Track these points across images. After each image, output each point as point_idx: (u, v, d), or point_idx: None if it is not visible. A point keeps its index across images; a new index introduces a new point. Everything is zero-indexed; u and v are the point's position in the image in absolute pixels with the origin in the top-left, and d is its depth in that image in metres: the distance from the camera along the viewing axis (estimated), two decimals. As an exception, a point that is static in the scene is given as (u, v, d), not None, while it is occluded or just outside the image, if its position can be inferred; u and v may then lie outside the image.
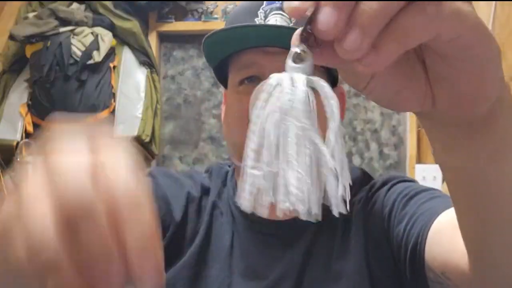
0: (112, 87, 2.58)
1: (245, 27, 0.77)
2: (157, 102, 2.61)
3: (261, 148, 0.29)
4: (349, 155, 2.62)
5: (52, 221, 0.26)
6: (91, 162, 0.28)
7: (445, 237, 0.61)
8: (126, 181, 0.28)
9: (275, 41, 0.76)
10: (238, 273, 0.81)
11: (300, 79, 0.30)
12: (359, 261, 0.78)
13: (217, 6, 2.67)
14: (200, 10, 2.66)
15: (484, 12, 2.50)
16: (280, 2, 0.81)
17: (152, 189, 0.84)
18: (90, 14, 2.65)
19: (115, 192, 0.27)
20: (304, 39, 0.31)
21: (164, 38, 2.76)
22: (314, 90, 0.31)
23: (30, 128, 2.61)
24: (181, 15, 2.70)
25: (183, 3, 2.68)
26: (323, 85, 0.32)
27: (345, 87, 2.98)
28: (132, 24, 2.62)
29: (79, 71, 2.53)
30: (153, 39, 2.72)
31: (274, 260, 0.81)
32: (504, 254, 0.48)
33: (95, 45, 2.56)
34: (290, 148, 0.28)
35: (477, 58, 0.36)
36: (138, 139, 2.52)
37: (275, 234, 0.83)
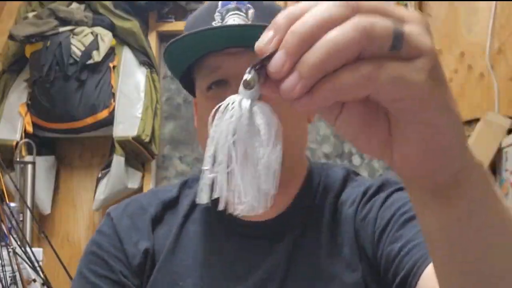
0: (112, 87, 2.58)
1: (203, 32, 0.75)
2: (157, 102, 2.61)
3: (215, 155, 0.38)
4: (349, 155, 2.62)
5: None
6: None
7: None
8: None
9: (236, 41, 0.74)
10: (217, 278, 0.80)
11: (247, 103, 0.38)
12: (349, 261, 0.77)
13: (217, 6, 2.67)
14: (200, 10, 2.66)
15: (485, 12, 2.50)
16: (235, 2, 0.78)
17: (113, 231, 0.84)
18: (90, 14, 2.65)
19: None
20: (257, 69, 0.37)
21: (164, 38, 2.76)
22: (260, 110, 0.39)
23: (29, 128, 2.61)
24: (181, 15, 2.69)
25: (183, 3, 2.68)
26: (264, 111, 0.39)
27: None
28: (132, 24, 2.62)
29: (79, 71, 2.53)
30: (153, 39, 2.71)
31: (255, 263, 0.79)
32: None
33: (95, 45, 2.56)
34: (237, 156, 0.38)
35: (427, 124, 0.37)
36: (138, 139, 2.52)
37: (253, 237, 0.81)
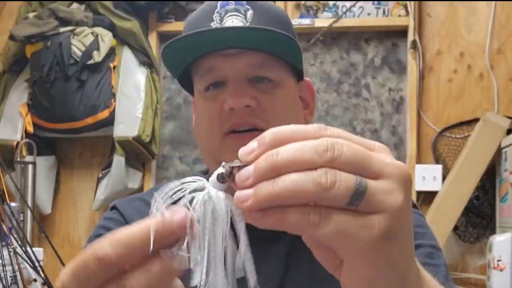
0: (112, 87, 2.58)
1: (201, 33, 0.75)
2: (157, 102, 2.62)
3: (200, 243, 0.40)
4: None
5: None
6: None
7: None
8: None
9: (233, 42, 0.74)
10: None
11: (220, 196, 0.40)
12: None
13: (217, 6, 2.67)
14: (200, 10, 2.67)
15: (484, 12, 2.51)
16: (234, 3, 0.79)
17: (121, 217, 0.83)
18: (90, 14, 2.66)
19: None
20: (228, 171, 0.39)
21: (164, 38, 2.76)
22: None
23: (30, 128, 2.61)
24: (181, 15, 2.70)
25: (183, 3, 2.69)
26: (232, 205, 0.41)
27: (345, 87, 2.96)
28: (132, 24, 2.62)
29: (79, 71, 2.53)
30: (153, 39, 2.72)
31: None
32: None
33: (95, 45, 2.56)
34: (215, 244, 0.40)
35: (364, 277, 0.39)
36: (138, 139, 2.52)
37: (251, 238, 0.81)
